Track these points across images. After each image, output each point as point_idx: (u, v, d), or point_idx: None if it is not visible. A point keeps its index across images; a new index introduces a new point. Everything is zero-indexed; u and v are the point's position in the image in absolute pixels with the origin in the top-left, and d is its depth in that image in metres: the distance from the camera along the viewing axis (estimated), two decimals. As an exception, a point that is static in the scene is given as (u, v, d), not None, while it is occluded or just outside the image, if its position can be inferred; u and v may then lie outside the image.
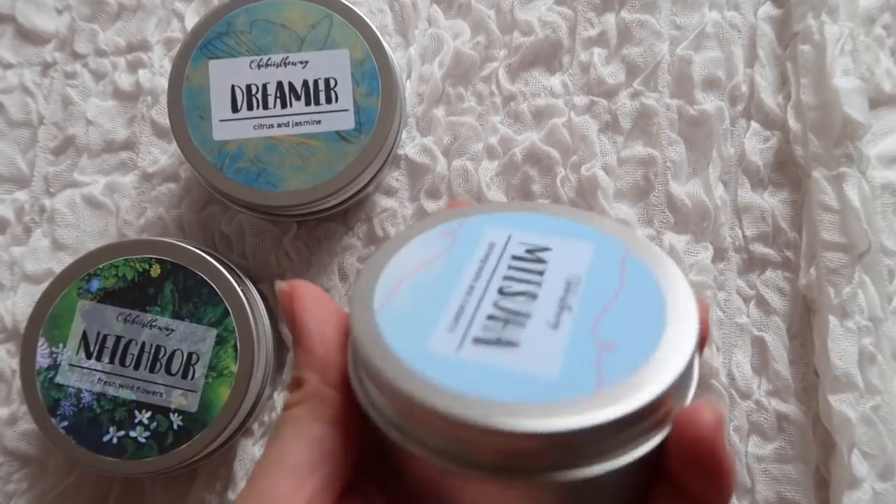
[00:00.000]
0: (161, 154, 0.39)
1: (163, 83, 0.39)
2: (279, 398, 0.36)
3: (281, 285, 0.23)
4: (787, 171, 0.37)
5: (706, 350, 0.35)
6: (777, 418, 0.35)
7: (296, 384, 0.22)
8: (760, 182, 0.37)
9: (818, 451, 0.35)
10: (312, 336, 0.22)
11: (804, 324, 0.36)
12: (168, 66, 0.40)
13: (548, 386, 0.18)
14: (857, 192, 0.34)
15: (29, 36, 0.40)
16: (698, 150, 0.38)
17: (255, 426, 0.36)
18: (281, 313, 0.22)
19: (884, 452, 0.33)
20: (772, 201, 0.37)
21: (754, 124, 0.38)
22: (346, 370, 0.22)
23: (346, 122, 0.34)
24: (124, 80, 0.40)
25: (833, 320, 0.34)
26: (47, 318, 0.33)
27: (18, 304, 0.37)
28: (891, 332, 0.35)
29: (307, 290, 0.23)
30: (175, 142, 0.34)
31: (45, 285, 0.33)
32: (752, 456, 0.35)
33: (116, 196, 0.38)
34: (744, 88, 0.38)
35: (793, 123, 0.37)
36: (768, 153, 0.37)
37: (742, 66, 0.38)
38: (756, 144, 0.37)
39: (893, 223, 0.36)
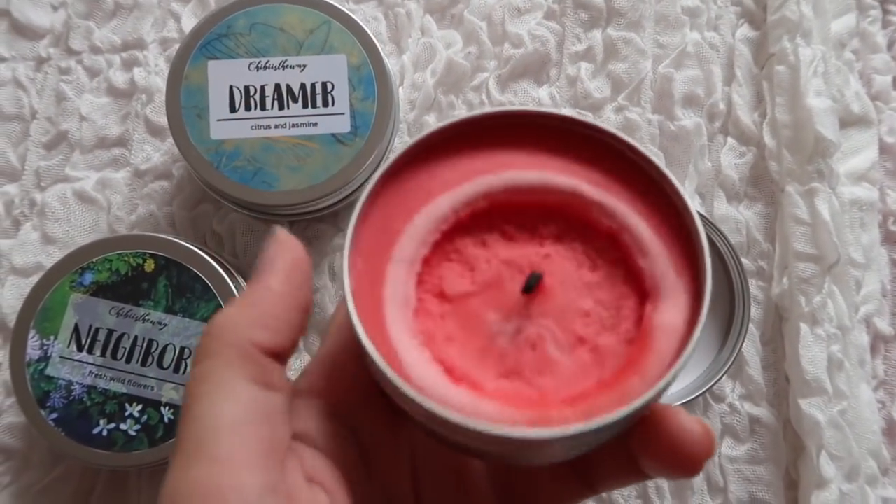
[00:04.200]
0: (154, 152, 0.39)
1: (158, 82, 0.39)
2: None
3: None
4: (761, 185, 0.39)
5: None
6: (749, 421, 0.36)
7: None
8: (736, 195, 0.39)
9: (788, 452, 0.36)
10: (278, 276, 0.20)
11: (776, 331, 0.37)
12: (163, 66, 0.40)
13: None
14: (827, 207, 0.36)
15: (23, 31, 0.41)
16: (677, 164, 0.39)
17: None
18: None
19: (850, 455, 0.34)
20: (747, 213, 0.39)
21: (731, 140, 0.39)
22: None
23: (343, 125, 0.35)
24: (119, 78, 0.40)
25: (804, 328, 0.35)
26: (39, 311, 0.33)
27: (6, 297, 0.37)
28: (857, 340, 0.36)
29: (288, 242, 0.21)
30: (172, 138, 0.34)
31: (33, 279, 0.33)
32: (725, 457, 0.36)
33: (108, 192, 0.39)
34: (722, 106, 0.40)
35: (768, 140, 0.38)
36: (744, 168, 0.39)
37: (720, 85, 0.40)
38: (732, 159, 0.39)
39: (860, 237, 0.38)
